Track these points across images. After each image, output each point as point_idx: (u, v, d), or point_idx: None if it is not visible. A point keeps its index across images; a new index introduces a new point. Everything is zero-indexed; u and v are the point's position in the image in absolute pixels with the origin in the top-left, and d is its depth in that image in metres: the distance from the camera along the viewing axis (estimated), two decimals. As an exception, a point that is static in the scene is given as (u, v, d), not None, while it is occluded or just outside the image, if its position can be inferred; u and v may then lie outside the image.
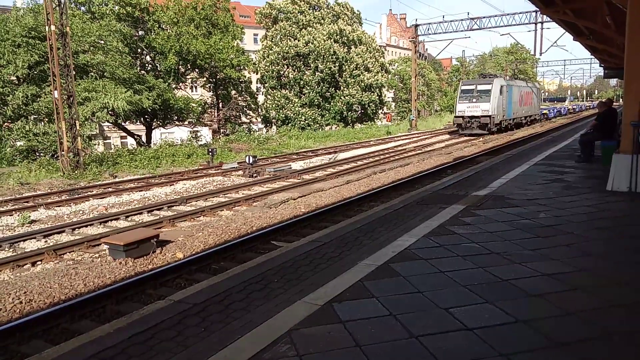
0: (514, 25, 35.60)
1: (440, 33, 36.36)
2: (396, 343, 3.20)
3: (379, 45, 51.26)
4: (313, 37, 39.79)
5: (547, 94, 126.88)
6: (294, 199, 12.23)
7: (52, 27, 16.88)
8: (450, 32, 36.11)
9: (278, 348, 3.19)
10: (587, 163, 11.82)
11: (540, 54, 41.66)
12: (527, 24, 33.78)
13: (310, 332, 3.40)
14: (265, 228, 9.23)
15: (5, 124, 22.72)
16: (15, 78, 22.46)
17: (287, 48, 39.96)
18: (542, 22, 32.34)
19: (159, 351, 3.25)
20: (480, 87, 31.61)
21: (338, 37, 41.03)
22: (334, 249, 5.43)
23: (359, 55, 42.34)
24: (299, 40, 39.89)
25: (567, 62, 73.18)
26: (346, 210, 10.61)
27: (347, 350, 3.12)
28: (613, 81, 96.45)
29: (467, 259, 4.84)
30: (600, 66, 32.13)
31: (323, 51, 39.75)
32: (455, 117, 32.67)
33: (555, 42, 40.26)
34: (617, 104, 32.71)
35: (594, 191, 8.21)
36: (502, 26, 34.89)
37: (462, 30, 35.80)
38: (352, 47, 42.45)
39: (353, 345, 3.18)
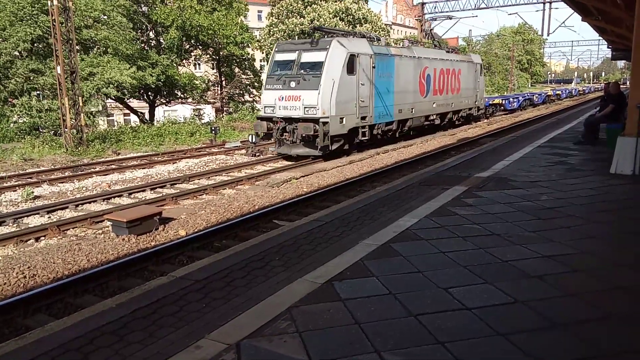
0: (522, 4, 34.27)
1: (447, 12, 35.73)
2: (395, 321, 3.23)
3: (385, 24, 50.58)
4: (318, 14, 39.30)
5: (553, 75, 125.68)
6: (297, 179, 12.23)
7: (55, 2, 16.70)
8: (457, 10, 35.52)
9: (278, 324, 3.22)
10: (592, 145, 11.76)
11: (548, 34, 39.05)
12: (535, 3, 33.19)
13: (310, 309, 3.43)
14: (267, 207, 9.25)
15: (9, 99, 22.65)
16: (18, 53, 22.31)
17: (292, 26, 39.50)
18: (550, 2, 31.80)
19: (161, 326, 3.29)
20: (305, 58, 15.14)
21: (344, 15, 40.50)
22: (335, 228, 5.45)
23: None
24: (304, 18, 39.42)
25: (574, 44, 71.81)
26: (348, 191, 10.63)
27: (347, 328, 3.15)
28: (620, 63, 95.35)
29: (467, 239, 4.85)
30: (608, 47, 31.55)
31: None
32: (258, 118, 15.98)
33: (563, 22, 38.51)
34: (624, 86, 32.11)
35: (597, 174, 8.18)
36: (510, 5, 34.27)
37: (469, 9, 35.25)
38: (358, 25, 41.90)
39: (352, 323, 3.22)
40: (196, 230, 8.04)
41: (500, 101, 34.34)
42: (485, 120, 28.27)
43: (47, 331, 3.29)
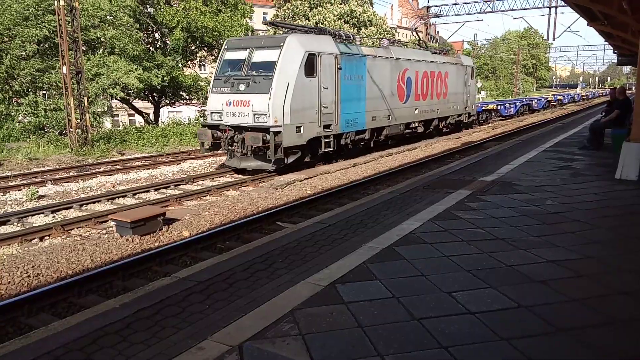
0: (528, 8, 33.89)
1: (452, 15, 35.68)
2: (398, 325, 3.22)
3: (390, 27, 50.64)
4: (323, 17, 39.39)
5: (558, 79, 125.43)
6: (300, 181, 12.22)
7: (61, 2, 16.79)
8: (463, 14, 35.42)
9: (281, 327, 3.22)
10: (597, 150, 11.73)
11: (554, 39, 37.92)
12: (540, 7, 33.14)
13: (313, 312, 3.43)
14: (270, 209, 9.25)
15: (14, 99, 22.75)
16: (24, 54, 22.41)
17: (297, 28, 39.62)
18: (556, 7, 31.73)
19: (164, 326, 3.29)
20: (257, 57, 13.23)
21: (349, 17, 40.61)
22: (338, 230, 5.45)
23: (370, 37, 41.87)
24: (309, 20, 39.51)
25: (580, 48, 71.06)
26: (352, 193, 10.62)
27: (349, 331, 3.15)
28: (626, 68, 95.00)
29: (471, 244, 4.84)
30: (613, 52, 31.37)
31: (333, 32, 39.34)
32: (203, 125, 14.18)
33: (569, 27, 38.26)
34: (630, 91, 31.81)
35: (602, 179, 8.15)
36: (515, 9, 34.12)
37: (474, 13, 35.15)
38: (363, 28, 41.97)
39: (355, 326, 3.21)
40: (200, 231, 8.05)
41: (495, 107, 32.19)
42: (490, 124, 28.19)
43: (50, 331, 3.30)
